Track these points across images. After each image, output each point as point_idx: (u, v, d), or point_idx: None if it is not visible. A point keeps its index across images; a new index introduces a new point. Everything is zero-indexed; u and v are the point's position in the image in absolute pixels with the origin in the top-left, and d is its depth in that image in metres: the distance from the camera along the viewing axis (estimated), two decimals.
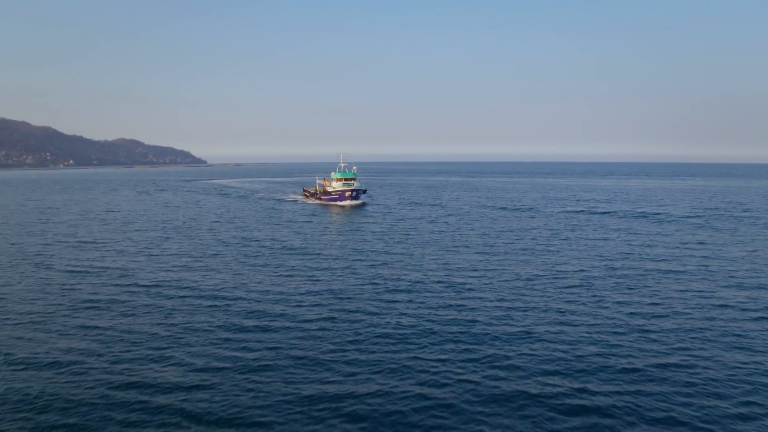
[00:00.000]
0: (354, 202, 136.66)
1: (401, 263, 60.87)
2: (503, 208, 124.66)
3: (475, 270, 57.31)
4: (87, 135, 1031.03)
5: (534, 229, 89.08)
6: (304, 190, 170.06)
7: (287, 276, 54.94)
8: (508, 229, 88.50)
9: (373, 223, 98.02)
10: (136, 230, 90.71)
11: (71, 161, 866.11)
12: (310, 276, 54.87)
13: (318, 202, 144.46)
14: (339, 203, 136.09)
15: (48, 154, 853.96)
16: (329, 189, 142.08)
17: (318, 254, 66.67)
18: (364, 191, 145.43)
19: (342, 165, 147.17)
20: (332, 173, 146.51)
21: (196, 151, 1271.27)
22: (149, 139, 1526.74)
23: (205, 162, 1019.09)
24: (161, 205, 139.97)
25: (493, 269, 57.57)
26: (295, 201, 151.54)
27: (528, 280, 52.89)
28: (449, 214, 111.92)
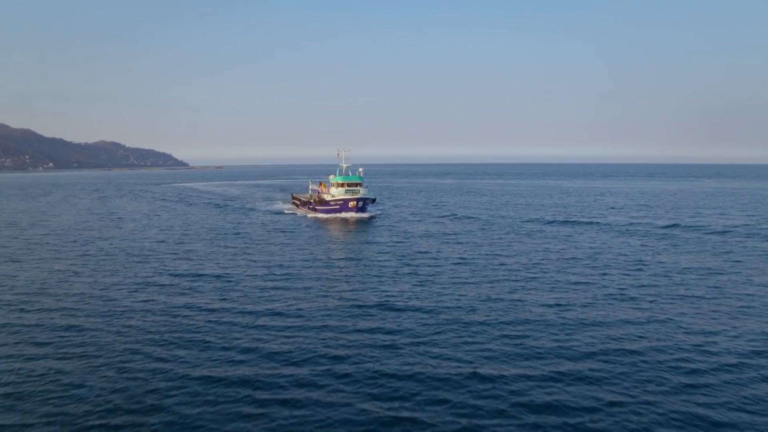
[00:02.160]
0: (359, 216, 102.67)
1: (430, 339, 32.69)
2: (528, 220, 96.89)
3: (547, 335, 29.54)
4: (67, 137, 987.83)
5: (591, 256, 61.13)
6: (294, 198, 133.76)
7: (224, 380, 26.46)
8: (557, 256, 60.78)
9: (376, 242, 70.11)
10: (40, 259, 61.75)
11: (51, 164, 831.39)
12: (262, 380, 26.42)
13: (312, 214, 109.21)
14: (339, 216, 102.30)
15: (27, 156, 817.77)
16: (327, 197, 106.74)
17: (284, 327, 37.63)
18: (373, 200, 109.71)
19: (343, 166, 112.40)
20: (331, 176, 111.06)
21: (179, 154, 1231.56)
22: (131, 141, 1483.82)
23: (187, 164, 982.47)
24: (103, 217, 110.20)
25: (572, 338, 29.82)
26: (278, 211, 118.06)
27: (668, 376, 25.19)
28: (467, 230, 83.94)
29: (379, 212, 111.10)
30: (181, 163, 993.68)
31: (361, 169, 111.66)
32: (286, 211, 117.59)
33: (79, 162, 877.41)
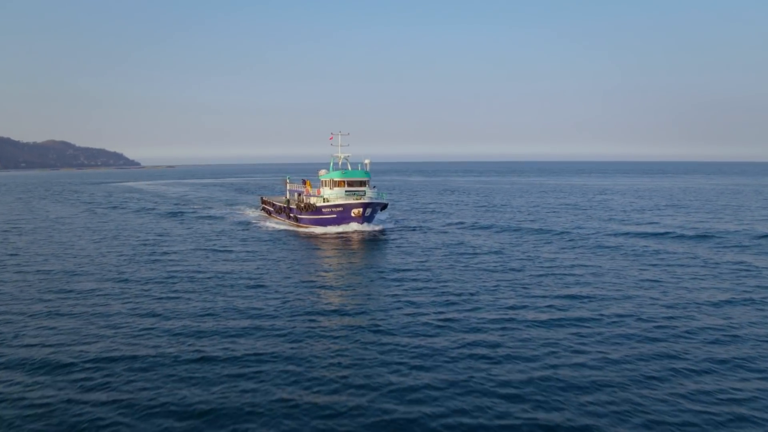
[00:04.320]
0: (367, 228, 69.09)
1: None
2: (539, 231, 70.88)
3: None
4: (15, 137, 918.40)
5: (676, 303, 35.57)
6: (264, 203, 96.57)
7: None
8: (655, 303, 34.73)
9: (392, 277, 42.58)
10: None
11: None
12: None
13: (293, 225, 76.45)
14: (336, 230, 69.12)
15: None
16: (316, 201, 73.11)
17: None
18: (385, 206, 75.46)
19: (340, 156, 79.49)
20: (322, 172, 77.22)
21: (131, 153, 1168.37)
22: (81, 140, 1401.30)
23: (138, 164, 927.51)
24: None
25: None
26: (239, 221, 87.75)
27: None
28: (490, 249, 57.34)
29: (391, 223, 77.79)
30: (132, 163, 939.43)
31: (367, 161, 77.23)
32: (252, 219, 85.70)
33: (27, 162, 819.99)
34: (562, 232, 66.83)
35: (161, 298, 37.04)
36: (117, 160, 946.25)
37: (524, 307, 33.88)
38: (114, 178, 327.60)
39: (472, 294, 37.10)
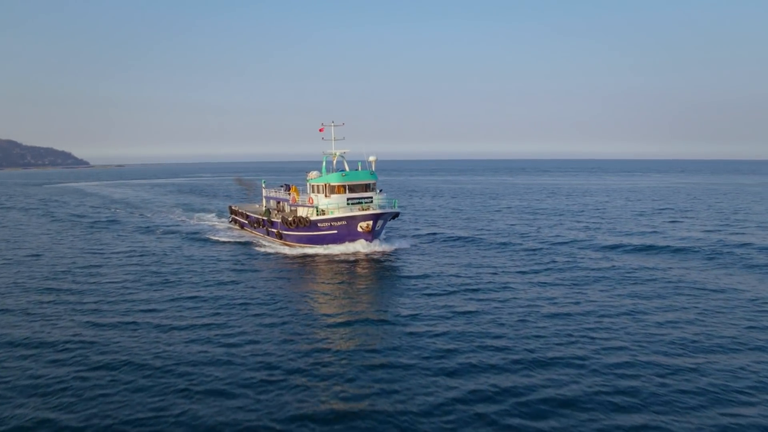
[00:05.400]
0: (375, 248, 54.16)
1: None
2: (551, 246, 59.93)
3: None
4: None
5: None
6: (234, 213, 77.18)
7: None
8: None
9: (422, 329, 29.86)
10: None
11: None
12: None
13: (278, 243, 60.17)
14: (334, 250, 53.83)
15: None
16: (309, 213, 56.80)
17: None
18: (397, 215, 58.91)
19: (335, 153, 60.72)
20: (312, 174, 59.75)
21: (80, 152, 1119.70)
22: (29, 139, 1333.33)
23: (87, 163, 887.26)
24: None
25: None
26: (193, 233, 73.44)
27: None
28: (516, 278, 45.46)
29: (406, 239, 61.48)
30: (81, 162, 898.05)
31: (372, 159, 60.19)
32: (213, 234, 68.60)
33: None
34: (580, 247, 55.63)
35: (82, 381, 23.49)
36: (65, 159, 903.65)
37: (653, 398, 21.82)
38: (58, 179, 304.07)
39: (548, 363, 24.79)
